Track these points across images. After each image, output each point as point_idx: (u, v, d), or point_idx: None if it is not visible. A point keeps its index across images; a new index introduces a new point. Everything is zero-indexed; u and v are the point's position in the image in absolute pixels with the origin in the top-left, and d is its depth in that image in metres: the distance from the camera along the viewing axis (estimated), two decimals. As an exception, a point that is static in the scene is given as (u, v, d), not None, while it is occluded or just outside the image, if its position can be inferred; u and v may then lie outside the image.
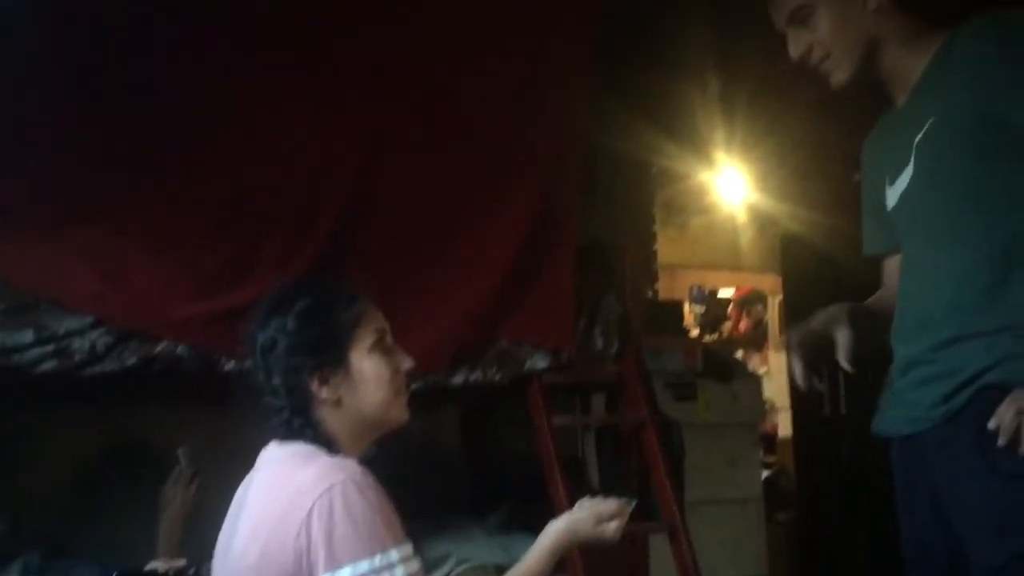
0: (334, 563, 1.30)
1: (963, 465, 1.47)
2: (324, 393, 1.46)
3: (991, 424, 1.41)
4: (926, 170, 1.58)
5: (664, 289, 5.41)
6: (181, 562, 2.13)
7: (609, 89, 3.34)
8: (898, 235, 1.69)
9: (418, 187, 2.65)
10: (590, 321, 2.96)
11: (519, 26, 2.86)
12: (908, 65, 1.61)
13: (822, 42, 1.63)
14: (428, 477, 3.27)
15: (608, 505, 1.62)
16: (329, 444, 1.45)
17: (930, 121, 1.55)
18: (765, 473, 4.54)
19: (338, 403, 1.47)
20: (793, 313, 4.97)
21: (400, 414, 1.54)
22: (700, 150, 4.59)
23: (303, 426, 1.45)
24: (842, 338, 1.66)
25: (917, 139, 1.56)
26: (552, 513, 2.71)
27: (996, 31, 1.52)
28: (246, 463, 1.55)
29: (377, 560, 1.32)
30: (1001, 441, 1.39)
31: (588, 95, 3.02)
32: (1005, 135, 1.48)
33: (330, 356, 1.47)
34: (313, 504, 1.32)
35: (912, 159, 1.58)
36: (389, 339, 1.56)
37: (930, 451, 1.55)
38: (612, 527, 1.61)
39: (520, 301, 2.77)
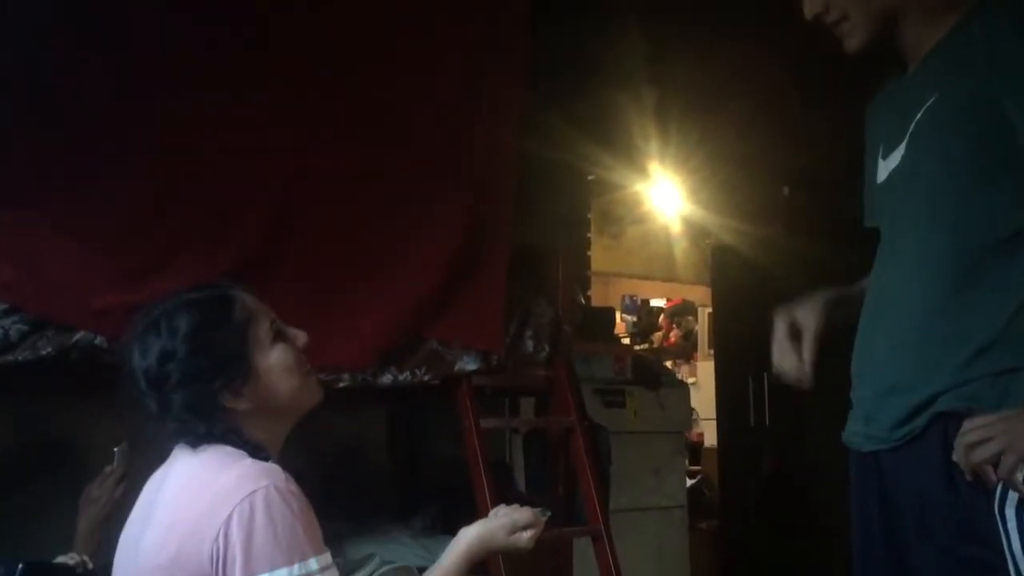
0: (250, 570, 1.28)
1: (926, 495, 1.43)
2: (240, 404, 1.43)
3: (954, 457, 1.36)
4: (918, 152, 1.51)
5: (597, 297, 5.45)
6: (85, 557, 2.07)
7: (544, 99, 3.35)
8: (882, 214, 1.63)
9: (349, 189, 2.62)
10: (521, 325, 2.95)
11: (453, 33, 2.86)
12: (925, 36, 1.54)
13: (839, 3, 1.55)
14: (353, 478, 3.24)
15: (523, 514, 1.61)
16: (252, 447, 1.41)
17: (932, 99, 1.48)
18: (690, 482, 4.58)
19: (254, 408, 1.44)
20: (722, 324, 5.05)
21: (314, 394, 1.53)
22: (635, 161, 4.64)
23: (223, 435, 1.41)
24: (807, 334, 1.61)
25: (916, 117, 1.50)
26: (477, 516, 2.71)
27: (1013, 12, 1.44)
28: (164, 459, 1.51)
29: (296, 569, 1.29)
30: (966, 477, 1.35)
31: (522, 102, 3.03)
32: (1005, 125, 1.41)
33: (236, 369, 1.43)
34: (233, 509, 1.29)
35: (907, 137, 1.53)
36: (279, 322, 1.52)
37: (888, 472, 1.51)
38: (526, 537, 1.60)
39: (451, 303, 2.75)
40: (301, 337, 1.53)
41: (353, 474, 3.28)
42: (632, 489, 3.64)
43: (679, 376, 6.00)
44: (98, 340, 2.30)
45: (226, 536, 1.28)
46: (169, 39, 2.42)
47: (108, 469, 2.24)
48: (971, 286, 1.44)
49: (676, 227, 6.37)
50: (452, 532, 3.09)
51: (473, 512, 2.77)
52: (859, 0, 1.54)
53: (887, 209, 1.61)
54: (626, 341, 6.67)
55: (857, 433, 1.59)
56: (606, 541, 2.77)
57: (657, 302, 7.58)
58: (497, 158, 2.96)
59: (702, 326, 7.23)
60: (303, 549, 1.31)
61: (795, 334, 1.65)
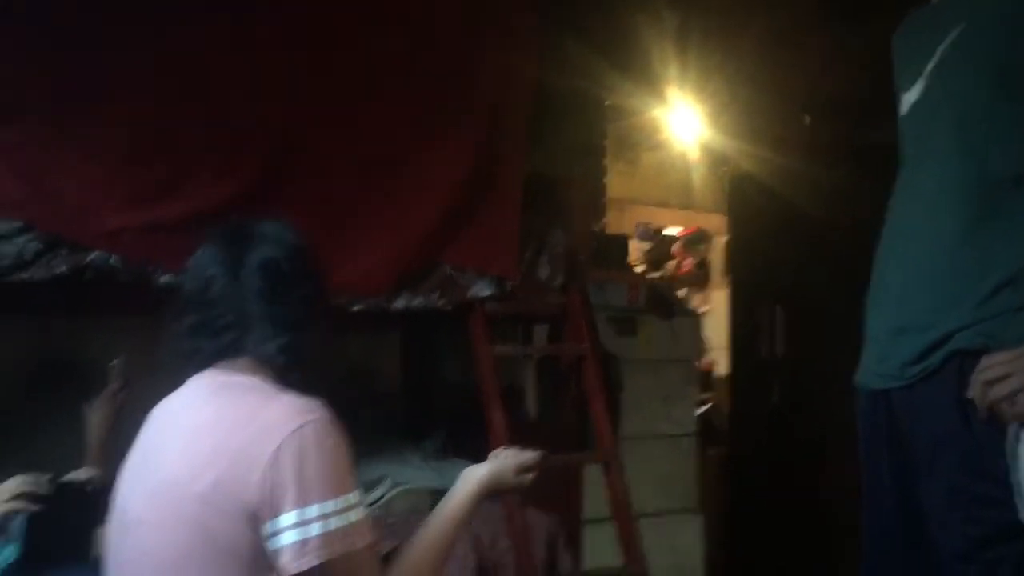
0: (304, 499, 1.30)
1: (938, 433, 1.42)
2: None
3: (969, 394, 1.35)
4: (942, 83, 1.48)
5: (612, 224, 5.41)
6: (97, 472, 2.10)
7: (560, 23, 3.28)
8: (903, 146, 1.59)
9: (361, 113, 2.60)
10: (536, 252, 2.94)
11: None
12: None
13: None
14: (366, 401, 3.26)
15: (528, 456, 1.65)
16: (297, 374, 1.44)
17: (959, 29, 1.45)
18: (699, 410, 4.60)
19: None
20: (737, 253, 5.01)
21: None
22: (652, 86, 4.55)
23: (275, 354, 1.44)
24: None
25: (941, 47, 1.47)
26: (489, 441, 2.74)
27: None
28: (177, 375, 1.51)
29: (341, 501, 1.32)
30: (980, 415, 1.34)
31: (536, 26, 2.97)
32: None
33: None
34: (284, 440, 1.31)
35: (931, 68, 1.49)
36: None
37: (901, 410, 1.50)
38: (529, 477, 1.65)
39: (466, 228, 2.74)
40: None
41: (366, 397, 3.31)
42: (642, 417, 3.66)
43: (692, 305, 6.00)
44: (112, 260, 2.30)
45: (277, 466, 1.30)
46: None
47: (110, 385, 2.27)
48: (991, 219, 1.42)
49: (694, 154, 6.26)
50: (462, 456, 3.17)
51: (483, 437, 2.80)
52: None
53: (908, 141, 1.59)
54: (640, 269, 6.66)
55: (869, 371, 1.58)
56: (615, 467, 2.79)
57: (672, 230, 7.52)
58: (510, 83, 2.92)
59: (716, 255, 7.18)
60: (346, 481, 1.34)
61: None
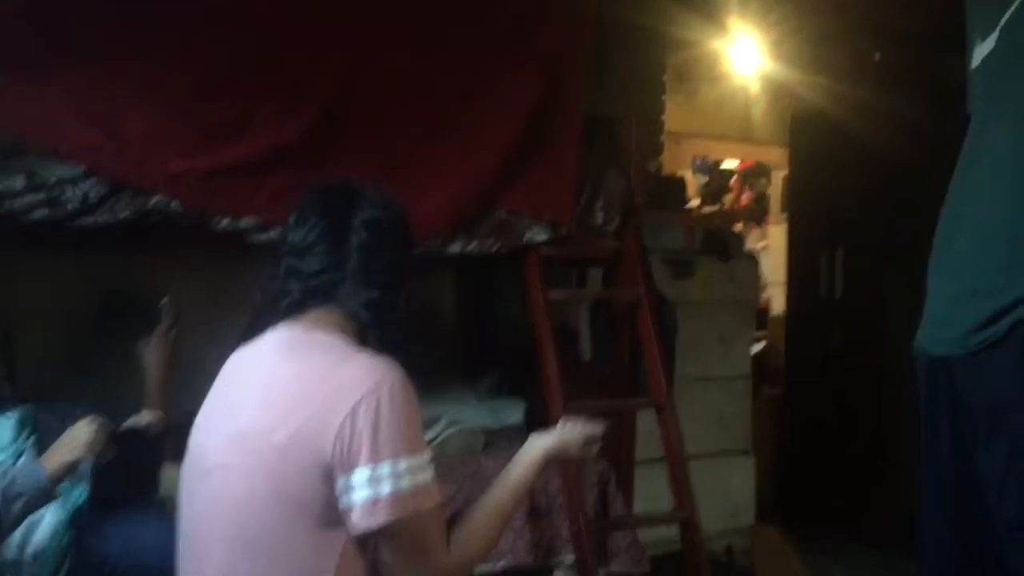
0: (377, 456, 1.33)
1: (1001, 402, 1.39)
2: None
3: None
4: (1016, 39, 1.43)
5: (669, 157, 5.33)
6: (157, 415, 2.16)
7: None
8: (973, 101, 1.54)
9: (426, 57, 2.58)
10: (592, 196, 2.91)
11: None
12: None
13: None
14: (422, 340, 3.30)
15: (595, 428, 1.67)
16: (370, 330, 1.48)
17: None
18: (755, 348, 4.58)
19: None
20: (798, 190, 4.92)
21: None
22: (713, 16, 4.42)
23: (360, 308, 1.48)
24: None
25: (1012, 4, 1.41)
26: (542, 383, 2.77)
27: None
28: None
29: (413, 460, 1.35)
30: None
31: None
32: None
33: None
34: (361, 398, 1.34)
35: (1003, 22, 1.44)
36: None
37: (963, 379, 1.47)
38: (595, 449, 1.69)
39: (522, 173, 2.72)
40: None
41: (422, 335, 3.34)
42: (698, 359, 3.65)
43: (749, 240, 5.92)
44: (174, 204, 2.33)
45: (353, 422, 1.33)
46: None
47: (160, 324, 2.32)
48: None
49: (754, 86, 6.11)
50: (517, 395, 3.20)
51: (536, 377, 2.83)
52: None
53: (980, 97, 1.54)
54: (696, 203, 6.57)
55: (931, 337, 1.55)
56: (669, 413, 2.80)
57: (730, 163, 7.40)
58: (572, 25, 2.86)
59: (775, 189, 7.05)
60: (418, 442, 1.38)
61: None
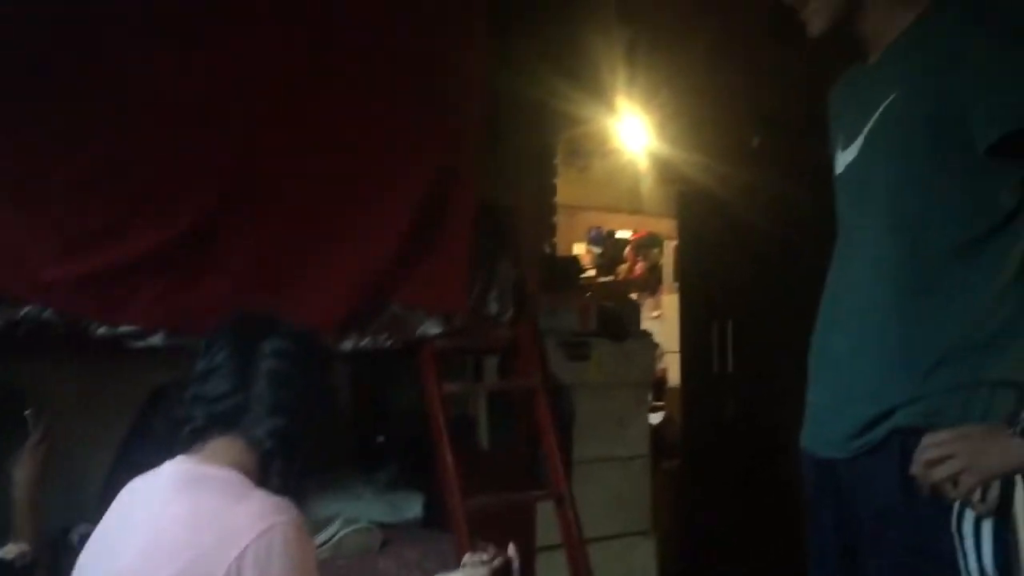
0: None
1: (882, 509, 1.42)
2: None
3: (912, 470, 1.34)
4: (875, 149, 1.49)
5: (563, 230, 5.39)
6: (22, 548, 2.02)
7: (509, 34, 3.24)
8: (840, 205, 1.60)
9: (309, 150, 2.53)
10: (485, 285, 2.90)
11: None
12: (889, 23, 1.51)
13: None
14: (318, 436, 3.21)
15: (499, 563, 1.65)
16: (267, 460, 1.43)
17: (892, 96, 1.46)
18: (653, 418, 4.62)
19: None
20: (687, 266, 5.03)
21: None
22: (602, 96, 4.53)
23: (264, 437, 1.42)
24: None
25: (875, 113, 1.48)
26: (439, 476, 2.72)
27: (980, 6, 1.41)
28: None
29: None
30: (925, 492, 1.33)
31: (486, 45, 2.92)
32: (964, 127, 1.38)
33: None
34: (251, 543, 1.29)
35: (865, 132, 1.50)
36: None
37: (845, 481, 1.50)
38: None
39: (414, 265, 2.70)
40: None
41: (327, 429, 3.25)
42: (595, 440, 3.65)
43: (643, 310, 6.01)
44: (47, 313, 2.23)
45: (239, 569, 1.28)
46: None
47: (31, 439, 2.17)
48: (930, 292, 1.42)
49: (644, 162, 6.28)
50: (415, 487, 3.13)
51: (434, 470, 2.78)
52: None
53: (844, 203, 1.59)
54: (591, 273, 6.65)
55: (814, 436, 1.58)
56: (568, 503, 2.79)
57: (623, 234, 7.55)
58: (465, 109, 2.87)
59: (668, 259, 7.21)
60: None
61: None
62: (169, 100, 2.37)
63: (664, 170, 5.91)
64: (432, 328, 2.75)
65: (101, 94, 2.28)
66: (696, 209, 4.70)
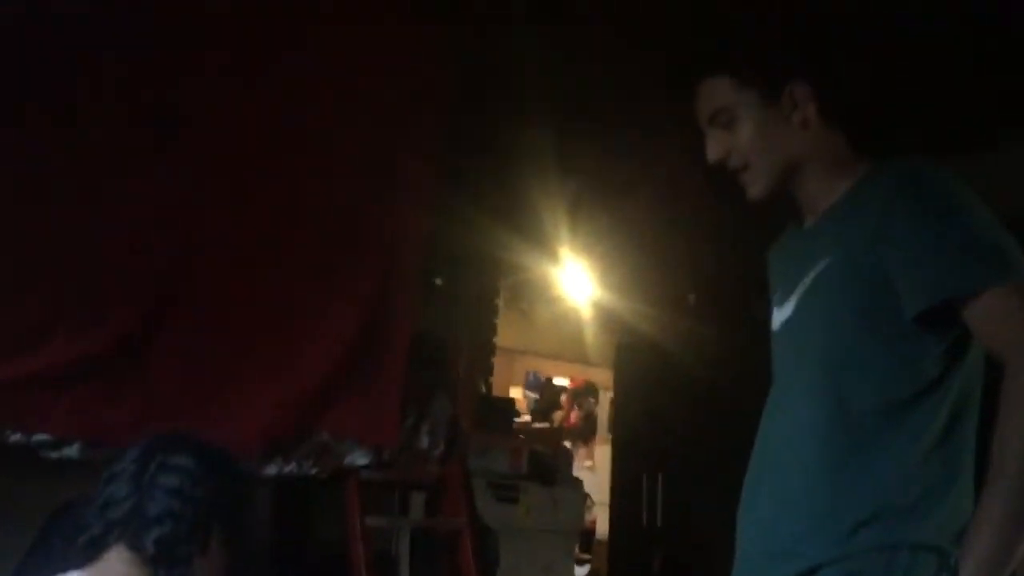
0: None
1: None
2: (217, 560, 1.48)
3: None
4: (808, 311, 1.51)
5: (501, 372, 5.40)
6: None
7: (454, 180, 3.31)
8: (774, 361, 1.61)
9: (242, 266, 2.51)
10: (418, 419, 2.88)
11: (366, 107, 2.76)
12: (825, 190, 1.54)
13: (741, 150, 1.54)
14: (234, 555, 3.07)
15: None
16: None
17: (824, 262, 1.48)
18: (580, 570, 4.52)
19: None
20: (621, 413, 5.04)
21: None
22: (545, 245, 4.63)
23: (149, 544, 1.43)
24: None
25: (808, 276, 1.50)
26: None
27: (906, 181, 1.44)
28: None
29: None
30: None
31: (432, 186, 2.97)
32: (891, 297, 1.40)
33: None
34: None
35: (799, 294, 1.52)
36: None
37: None
38: None
39: (347, 395, 2.65)
40: None
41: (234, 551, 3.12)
42: (520, 589, 3.56)
43: (576, 459, 5.97)
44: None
45: None
46: (61, 93, 2.26)
47: None
48: (856, 453, 1.42)
49: (585, 311, 6.38)
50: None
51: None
52: (760, 150, 1.54)
53: (779, 360, 1.61)
54: (527, 418, 6.63)
55: None
56: (486, 653, 2.68)
57: (561, 381, 7.58)
58: (404, 242, 2.88)
59: (603, 409, 7.24)
60: None
61: None
62: (94, 214, 2.31)
63: (604, 319, 6.02)
64: (360, 459, 2.69)
65: (21, 196, 2.21)
66: (633, 360, 4.76)
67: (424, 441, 2.88)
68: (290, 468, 2.60)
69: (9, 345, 2.20)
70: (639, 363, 4.64)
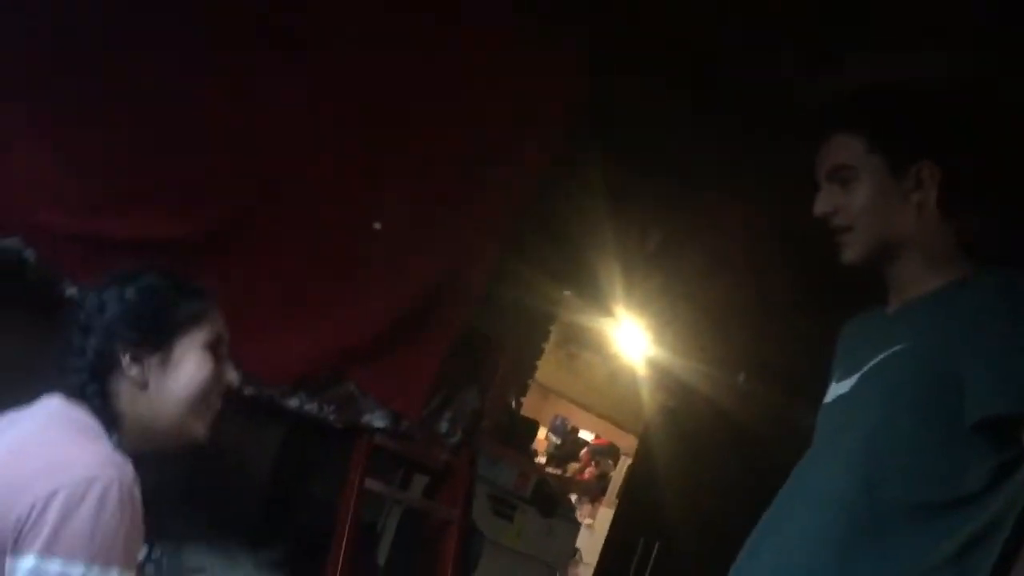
0: (49, 550, 1.20)
1: None
2: (133, 371, 1.38)
3: None
4: (868, 390, 1.49)
5: (530, 406, 5.39)
6: None
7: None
8: (816, 432, 1.58)
9: (338, 202, 2.57)
10: (444, 403, 2.89)
11: (497, 88, 2.78)
12: (918, 279, 1.51)
13: (850, 211, 1.51)
14: (222, 484, 3.10)
15: None
16: (113, 420, 1.36)
17: (900, 347, 1.46)
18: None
19: (143, 386, 1.39)
20: (637, 477, 4.98)
21: (198, 429, 1.45)
22: (601, 299, 4.59)
23: (95, 394, 1.37)
24: None
25: (879, 356, 1.48)
26: (327, 569, 2.60)
27: (1005, 292, 1.41)
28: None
29: (93, 571, 1.21)
30: None
31: (533, 187, 2.98)
32: (956, 401, 1.37)
33: (154, 337, 1.40)
34: (63, 485, 1.22)
35: (863, 372, 1.50)
36: (224, 349, 1.48)
37: None
38: None
39: (388, 355, 2.69)
40: (231, 375, 1.48)
41: (223, 480, 3.15)
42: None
43: (578, 513, 5.91)
44: (27, 252, 2.22)
45: (44, 507, 1.21)
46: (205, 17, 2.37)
47: None
48: (871, 541, 1.40)
49: (631, 372, 6.34)
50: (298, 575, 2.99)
51: (322, 566, 2.67)
52: (870, 217, 1.51)
53: (823, 430, 1.59)
54: (542, 460, 6.59)
55: None
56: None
57: (586, 434, 7.53)
58: (494, 226, 2.91)
59: (619, 474, 7.15)
60: (111, 555, 1.23)
61: None
62: (214, 108, 2.40)
63: (650, 380, 5.96)
64: (379, 420, 2.72)
65: (150, 76, 2.30)
66: (664, 427, 4.70)
67: (444, 426, 2.89)
68: (311, 407, 2.63)
69: (102, 206, 2.29)
70: (669, 431, 4.59)
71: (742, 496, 3.50)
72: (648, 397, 6.11)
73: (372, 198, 2.63)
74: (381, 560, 3.26)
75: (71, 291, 2.28)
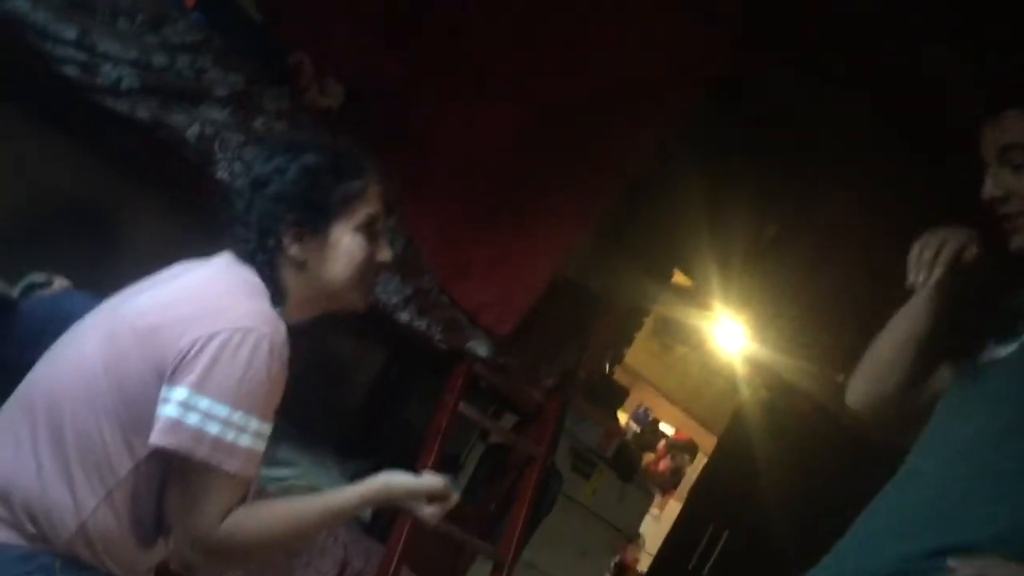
0: (200, 388, 1.30)
1: None
2: (293, 250, 1.45)
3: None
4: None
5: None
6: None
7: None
8: (958, 393, 1.46)
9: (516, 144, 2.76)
10: (545, 349, 2.95)
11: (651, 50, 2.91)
12: None
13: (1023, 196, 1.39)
14: (324, 393, 3.23)
15: (445, 490, 1.54)
16: (277, 290, 1.44)
17: None
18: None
19: (302, 265, 1.46)
20: (720, 458, 4.97)
21: (358, 299, 1.53)
22: (702, 293, 4.55)
23: (264, 263, 1.44)
24: None
25: None
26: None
27: None
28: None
29: (236, 416, 1.31)
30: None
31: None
32: None
33: (313, 219, 1.46)
34: (223, 329, 1.32)
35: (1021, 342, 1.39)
36: (380, 225, 1.53)
37: None
38: (429, 511, 1.52)
39: (497, 276, 2.79)
40: (386, 253, 1.54)
41: (326, 388, 3.28)
42: (550, 552, 3.57)
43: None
44: (189, 134, 2.36)
45: (202, 347, 1.31)
46: None
47: None
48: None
49: (724, 371, 6.28)
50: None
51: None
52: None
53: (969, 393, 1.44)
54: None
55: None
56: (505, 572, 2.74)
57: (666, 427, 7.49)
58: (610, 175, 3.00)
59: (694, 470, 7.11)
60: (253, 404, 1.33)
61: None
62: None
63: (735, 386, 5.90)
64: (481, 348, 2.80)
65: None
66: (751, 421, 4.67)
67: (542, 370, 2.96)
68: (420, 324, 2.72)
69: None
70: (761, 426, 4.55)
71: (825, 489, 3.49)
72: (742, 391, 6.06)
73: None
74: (459, 492, 3.35)
75: (222, 174, 2.43)
